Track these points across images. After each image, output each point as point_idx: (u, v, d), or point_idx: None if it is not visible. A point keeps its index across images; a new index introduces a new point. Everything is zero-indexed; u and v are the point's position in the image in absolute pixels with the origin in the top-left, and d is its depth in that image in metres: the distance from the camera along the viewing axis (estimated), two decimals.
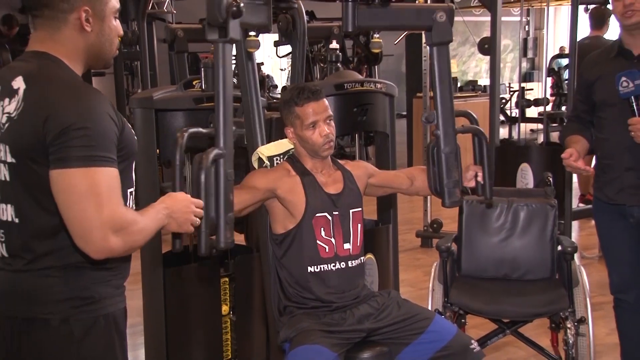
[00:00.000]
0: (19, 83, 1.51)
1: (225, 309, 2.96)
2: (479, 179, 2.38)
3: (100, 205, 1.43)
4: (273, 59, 7.97)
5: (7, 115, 1.51)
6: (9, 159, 1.51)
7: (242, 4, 1.93)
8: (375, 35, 2.63)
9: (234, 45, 2.44)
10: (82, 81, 1.58)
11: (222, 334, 2.93)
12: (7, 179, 1.53)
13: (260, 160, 2.42)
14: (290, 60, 3.86)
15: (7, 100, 1.52)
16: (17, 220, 1.54)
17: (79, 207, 1.43)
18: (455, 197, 2.33)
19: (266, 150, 2.43)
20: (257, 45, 2.39)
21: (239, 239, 3.38)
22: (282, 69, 9.31)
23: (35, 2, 1.55)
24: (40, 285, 1.53)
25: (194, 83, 2.95)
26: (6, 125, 1.51)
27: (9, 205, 1.54)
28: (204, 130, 2.17)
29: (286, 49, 4.90)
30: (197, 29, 4.41)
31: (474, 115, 2.77)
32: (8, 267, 1.56)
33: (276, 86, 8.92)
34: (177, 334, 2.89)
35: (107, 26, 1.60)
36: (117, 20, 1.65)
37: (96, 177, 1.44)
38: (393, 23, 2.29)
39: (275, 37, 3.97)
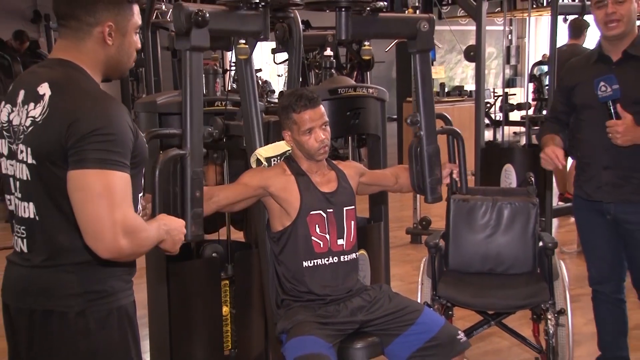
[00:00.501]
0: (44, 89, 1.52)
1: (225, 306, 2.97)
2: (455, 175, 2.49)
3: (113, 206, 1.43)
4: (271, 66, 7.96)
5: (31, 118, 1.52)
6: (30, 160, 1.52)
7: (207, 14, 1.90)
8: (366, 43, 2.62)
9: (234, 51, 2.46)
10: (103, 90, 1.58)
11: (222, 326, 2.93)
12: (29, 178, 1.53)
13: (258, 161, 2.42)
14: (287, 66, 3.85)
15: (32, 104, 1.53)
16: (37, 218, 1.55)
17: (93, 207, 1.43)
18: (436, 194, 2.44)
19: (264, 151, 2.43)
20: (245, 52, 2.38)
21: (239, 236, 3.38)
22: (279, 75, 9.30)
23: (64, 13, 1.56)
24: (57, 280, 1.54)
25: None
26: (30, 128, 1.52)
27: (30, 203, 1.55)
28: (172, 131, 2.18)
29: (283, 56, 4.89)
30: None
31: (448, 117, 2.84)
32: (26, 263, 1.57)
33: (274, 91, 8.91)
34: (180, 326, 2.89)
35: (127, 41, 1.62)
36: (137, 35, 1.67)
37: (111, 179, 1.45)
38: (382, 31, 2.33)
39: (272, 44, 3.97)
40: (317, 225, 2.30)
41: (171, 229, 1.64)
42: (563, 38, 5.52)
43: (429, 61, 2.39)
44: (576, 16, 5.28)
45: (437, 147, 2.40)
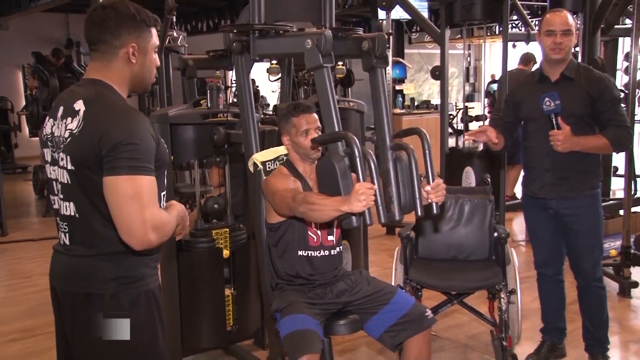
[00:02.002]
0: (79, 105, 1.54)
1: (227, 288, 2.94)
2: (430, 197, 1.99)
3: (142, 207, 1.45)
4: (266, 82, 7.95)
5: (69, 131, 1.54)
6: (69, 167, 1.54)
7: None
8: (339, 63, 2.54)
9: (234, 71, 2.43)
10: (128, 104, 1.59)
11: (225, 305, 2.91)
12: (69, 182, 1.55)
13: (255, 164, 2.39)
14: (280, 83, 3.84)
15: (69, 119, 1.55)
16: (77, 215, 1.56)
17: (126, 208, 1.45)
18: (389, 213, 1.93)
19: (260, 156, 2.41)
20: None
21: None
22: (273, 91, 9.30)
23: (94, 39, 1.58)
24: (95, 268, 1.55)
25: (201, 102, 2.93)
26: (68, 139, 1.53)
27: (71, 203, 1.57)
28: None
29: (278, 75, 4.89)
30: (204, 59, 4.36)
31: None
32: (69, 253, 1.59)
33: (269, 105, 8.89)
34: (188, 306, 2.88)
35: (148, 59, 1.62)
36: (156, 54, 1.67)
37: (139, 183, 1.46)
38: (342, 53, 2.14)
39: (267, 65, 3.97)
40: (312, 222, 2.27)
41: (183, 216, 1.64)
42: (513, 60, 5.63)
43: (377, 78, 2.01)
44: (526, 44, 5.39)
45: (388, 167, 1.94)
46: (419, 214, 1.95)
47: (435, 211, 1.97)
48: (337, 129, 1.98)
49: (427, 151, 1.95)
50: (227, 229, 2.94)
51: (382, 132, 1.99)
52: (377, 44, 1.95)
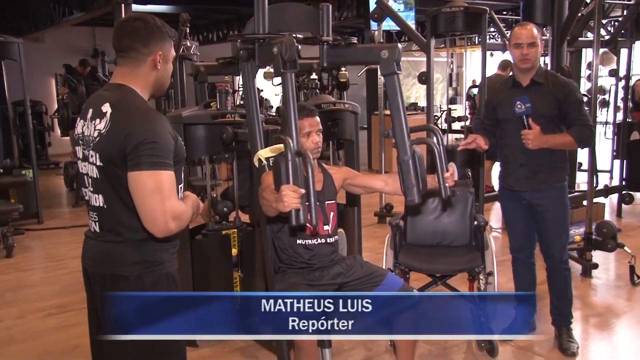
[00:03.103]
0: (106, 108, 1.54)
1: (235, 272, 2.92)
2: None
3: (163, 199, 1.46)
4: (269, 87, 7.91)
5: (98, 131, 1.54)
6: (98, 163, 1.54)
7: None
8: (342, 69, 2.55)
9: (241, 76, 2.39)
10: (150, 106, 1.59)
11: (233, 287, 2.88)
12: (98, 176, 1.56)
13: (259, 160, 2.36)
14: (282, 87, 3.80)
15: (98, 120, 1.55)
16: (105, 207, 1.57)
17: (148, 200, 1.46)
18: (411, 196, 1.91)
19: (264, 153, 2.37)
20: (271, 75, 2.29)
21: (244, 218, 3.32)
22: (276, 94, 9.24)
23: (125, 46, 1.59)
24: (121, 252, 1.56)
25: (211, 104, 2.90)
26: (97, 138, 1.54)
27: (100, 195, 1.57)
28: None
29: (279, 79, 4.85)
30: (214, 65, 4.32)
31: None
32: (99, 239, 1.60)
33: (272, 107, 8.84)
34: (200, 287, 2.85)
35: (168, 67, 1.64)
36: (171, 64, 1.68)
37: (160, 177, 1.47)
38: (353, 60, 2.15)
39: (271, 70, 3.93)
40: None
41: (198, 204, 1.64)
42: (491, 67, 5.64)
43: (394, 83, 2.05)
44: (502, 53, 5.38)
45: (407, 158, 1.93)
46: (444, 195, 1.96)
47: (448, 194, 1.99)
48: (404, 131, 1.94)
49: (439, 145, 1.97)
50: (236, 230, 2.91)
51: (401, 129, 2.00)
52: (396, 53, 1.98)
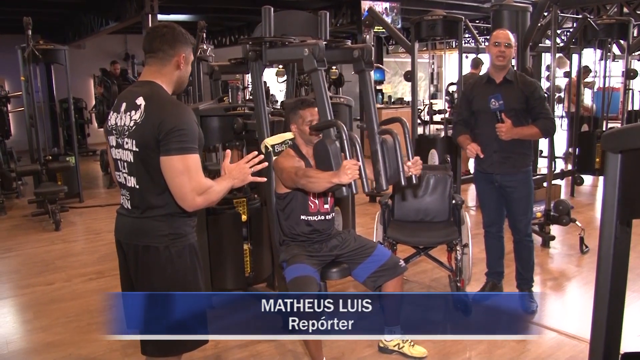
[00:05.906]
0: (140, 101, 1.53)
1: (245, 244, 2.86)
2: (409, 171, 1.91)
3: (190, 178, 1.46)
4: (275, 83, 7.80)
5: (134, 120, 1.52)
6: (134, 149, 1.52)
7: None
8: (333, 67, 2.44)
9: (250, 74, 2.29)
10: (177, 100, 1.59)
11: (244, 257, 2.83)
12: (132, 160, 1.54)
13: (266, 147, 2.27)
14: (286, 84, 3.71)
15: (133, 111, 1.53)
16: (137, 187, 1.55)
17: (178, 180, 1.46)
18: (378, 183, 1.84)
19: (270, 140, 2.29)
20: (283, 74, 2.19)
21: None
22: (280, 90, 9.11)
23: (155, 48, 1.57)
24: (152, 226, 1.54)
25: (224, 99, 2.83)
26: (133, 127, 1.52)
27: (132, 177, 1.55)
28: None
29: (284, 77, 4.77)
30: (227, 65, 4.22)
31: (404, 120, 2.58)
32: (132, 215, 1.58)
33: (277, 101, 8.71)
34: (216, 257, 2.80)
35: (188, 68, 1.62)
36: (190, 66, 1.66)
37: (188, 160, 1.46)
38: (336, 59, 2.03)
39: (276, 69, 3.84)
40: (311, 193, 2.16)
41: (233, 177, 1.58)
42: (466, 67, 5.60)
43: (365, 79, 1.93)
44: (476, 56, 5.34)
45: (375, 148, 1.84)
46: (403, 183, 1.87)
47: (414, 181, 1.91)
48: (374, 124, 1.88)
49: (407, 135, 1.91)
50: (245, 199, 2.83)
51: (371, 121, 1.91)
52: (365, 53, 1.88)
